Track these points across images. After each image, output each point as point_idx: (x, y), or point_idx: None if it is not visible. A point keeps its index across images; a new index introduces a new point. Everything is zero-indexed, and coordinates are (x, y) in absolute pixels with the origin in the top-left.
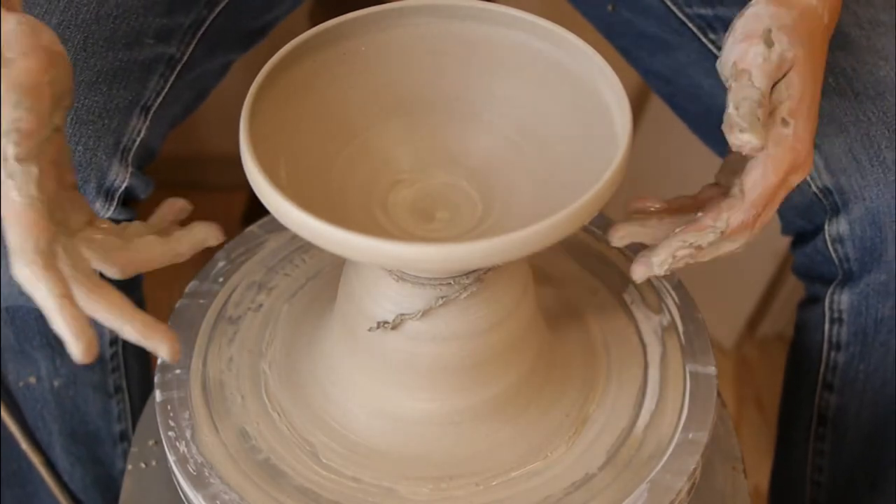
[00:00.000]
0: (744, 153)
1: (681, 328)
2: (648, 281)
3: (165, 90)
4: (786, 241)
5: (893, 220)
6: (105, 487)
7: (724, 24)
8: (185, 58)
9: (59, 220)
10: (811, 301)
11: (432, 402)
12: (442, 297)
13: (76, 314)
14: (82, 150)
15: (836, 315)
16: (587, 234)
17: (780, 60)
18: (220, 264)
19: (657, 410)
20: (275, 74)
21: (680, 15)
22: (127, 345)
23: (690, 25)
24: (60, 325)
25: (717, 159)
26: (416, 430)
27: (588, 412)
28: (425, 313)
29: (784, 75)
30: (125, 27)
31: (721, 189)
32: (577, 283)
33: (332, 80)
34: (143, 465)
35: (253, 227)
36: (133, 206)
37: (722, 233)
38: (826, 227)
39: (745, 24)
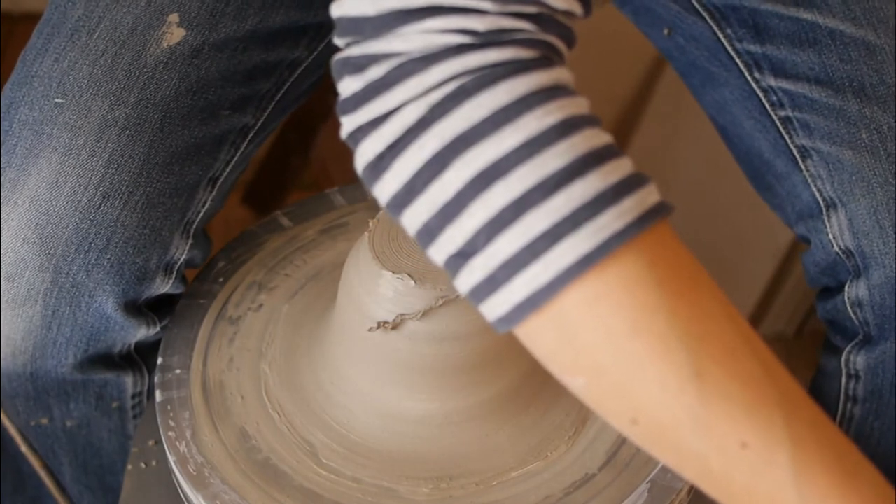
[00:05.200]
0: None
1: None
2: None
3: (235, 159)
4: (786, 240)
5: None
6: None
7: (771, 64)
8: (259, 123)
9: None
10: (832, 349)
11: (432, 402)
12: (442, 297)
13: None
14: (148, 231)
15: (852, 372)
16: None
17: None
18: (220, 264)
19: None
20: None
21: (729, 49)
22: (151, 391)
23: (738, 61)
24: None
25: (716, 158)
26: (416, 430)
27: (588, 412)
28: (425, 313)
29: None
30: (203, 102)
31: None
32: None
33: None
34: (143, 465)
35: (253, 227)
36: (183, 279)
37: None
38: (846, 288)
39: None
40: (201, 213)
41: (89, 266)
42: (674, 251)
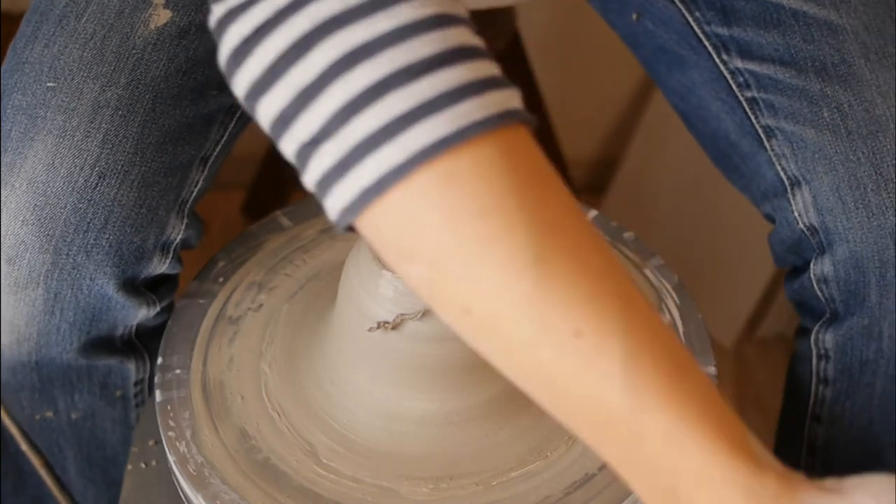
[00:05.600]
0: None
1: (681, 328)
2: (648, 281)
3: (224, 139)
4: None
5: (877, 266)
6: None
7: (738, 46)
8: None
9: None
10: (803, 332)
11: (432, 402)
12: None
13: None
14: (145, 211)
15: (822, 351)
16: None
17: None
18: (220, 264)
19: None
20: None
21: (698, 31)
22: (152, 380)
23: (706, 44)
24: None
25: None
26: (416, 430)
27: None
28: (425, 313)
29: None
30: (192, 82)
31: None
32: None
33: None
34: (143, 465)
35: (253, 227)
36: (179, 259)
37: None
38: (812, 266)
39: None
40: (194, 193)
41: (88, 246)
42: (531, 152)
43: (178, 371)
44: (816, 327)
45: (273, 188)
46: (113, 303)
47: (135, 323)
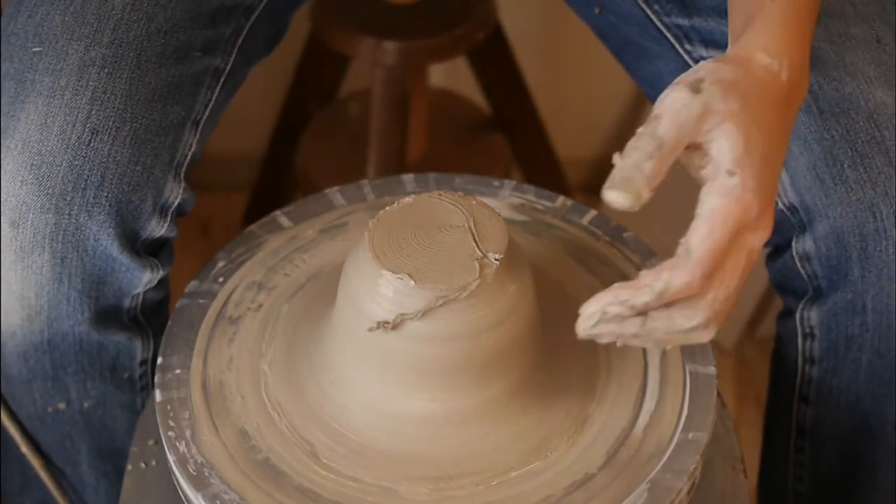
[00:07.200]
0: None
1: None
2: None
3: (212, 102)
4: None
5: (857, 240)
6: None
7: (700, 36)
8: (228, 67)
9: None
10: (787, 314)
11: (432, 402)
12: (442, 297)
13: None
14: (140, 169)
15: (807, 330)
16: (587, 234)
17: (705, 110)
18: (220, 264)
19: (657, 410)
20: None
21: (658, 24)
22: (155, 364)
23: (668, 35)
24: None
25: None
26: (416, 430)
27: (588, 412)
28: (425, 313)
29: (716, 127)
30: (175, 42)
31: None
32: (577, 283)
33: None
34: (143, 465)
35: (253, 227)
36: (175, 223)
37: (660, 294)
38: (794, 244)
39: (683, 75)
40: (188, 156)
41: (89, 205)
42: None
43: (177, 371)
44: (801, 306)
45: (273, 190)
46: (118, 264)
47: (140, 291)
